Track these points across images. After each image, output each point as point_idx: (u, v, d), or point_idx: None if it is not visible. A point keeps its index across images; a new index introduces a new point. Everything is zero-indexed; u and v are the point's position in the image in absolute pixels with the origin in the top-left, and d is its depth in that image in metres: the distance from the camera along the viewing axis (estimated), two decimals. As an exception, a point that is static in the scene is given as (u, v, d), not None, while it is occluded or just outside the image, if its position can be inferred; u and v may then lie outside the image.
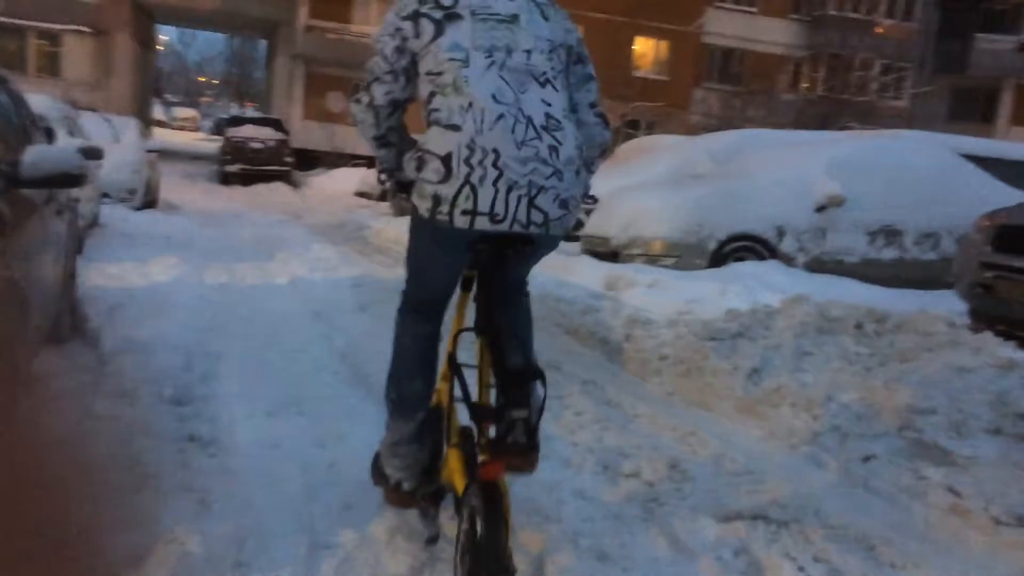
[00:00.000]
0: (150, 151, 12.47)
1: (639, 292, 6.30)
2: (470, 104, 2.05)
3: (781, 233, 7.78)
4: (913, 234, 7.98)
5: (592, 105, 2.37)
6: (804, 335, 4.59)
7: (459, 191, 2.04)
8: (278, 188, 19.48)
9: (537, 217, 2.08)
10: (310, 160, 22.97)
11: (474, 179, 2.03)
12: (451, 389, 2.46)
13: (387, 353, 2.62)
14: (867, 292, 6.62)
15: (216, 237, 9.73)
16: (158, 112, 42.89)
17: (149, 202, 12.05)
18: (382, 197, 17.92)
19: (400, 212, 14.64)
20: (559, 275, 7.02)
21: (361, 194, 19.85)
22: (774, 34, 28.16)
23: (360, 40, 24.44)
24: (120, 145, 10.82)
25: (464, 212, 2.05)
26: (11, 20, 21.57)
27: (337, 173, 21.82)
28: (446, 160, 2.05)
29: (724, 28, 27.75)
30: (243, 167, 20.03)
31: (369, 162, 21.94)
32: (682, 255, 7.66)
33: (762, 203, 7.83)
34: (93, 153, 7.10)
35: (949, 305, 5.36)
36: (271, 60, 28.39)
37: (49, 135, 5.65)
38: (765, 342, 4.58)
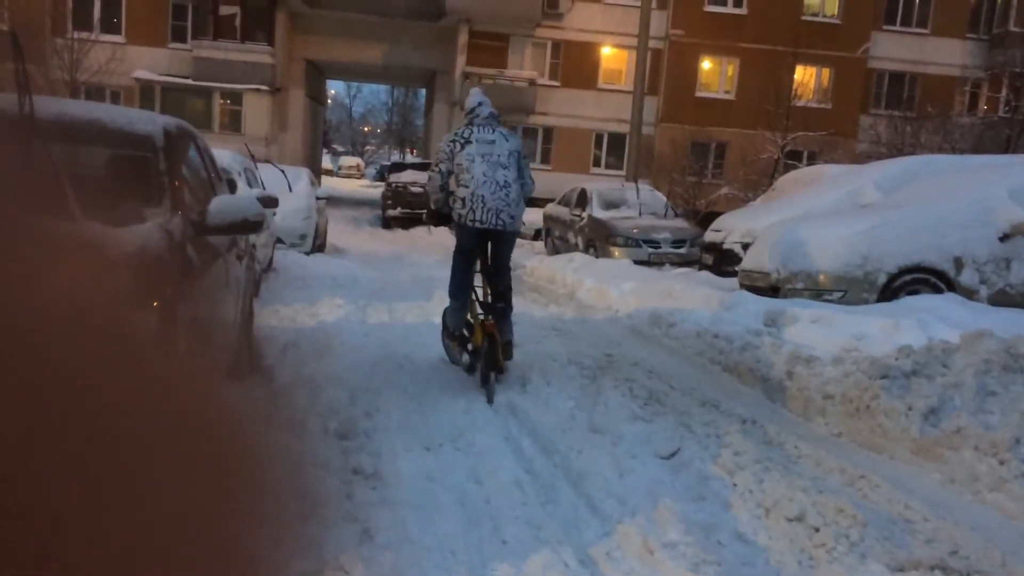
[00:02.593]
0: (319, 199, 13.19)
1: (802, 328, 6.04)
2: (472, 177, 4.92)
3: (960, 265, 7.26)
4: (1115, 262, 7.23)
5: (528, 176, 5.17)
6: (988, 373, 4.24)
7: (469, 211, 4.92)
8: (437, 231, 20.09)
9: (499, 223, 4.92)
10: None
11: (475, 207, 4.90)
12: (474, 301, 5.24)
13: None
14: (1061, 327, 6.03)
15: (378, 279, 10.14)
16: (326, 161, 45.53)
17: (318, 247, 12.73)
18: (535, 237, 18.15)
19: (554, 251, 14.77)
20: (716, 311, 6.86)
21: (516, 234, 20.21)
22: (948, 55, 26.55)
23: (514, 85, 25.07)
24: (293, 194, 11.51)
25: (471, 220, 4.92)
26: (201, 83, 23.68)
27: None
28: (464, 200, 4.95)
29: (892, 52, 26.45)
30: (404, 211, 20.86)
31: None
32: (849, 289, 7.29)
33: (937, 233, 7.34)
34: (270, 202, 7.63)
35: None
36: (430, 108, 29.60)
37: (231, 186, 6.14)
38: (943, 380, 4.27)
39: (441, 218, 5.25)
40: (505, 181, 4.91)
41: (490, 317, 5.01)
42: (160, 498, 0.38)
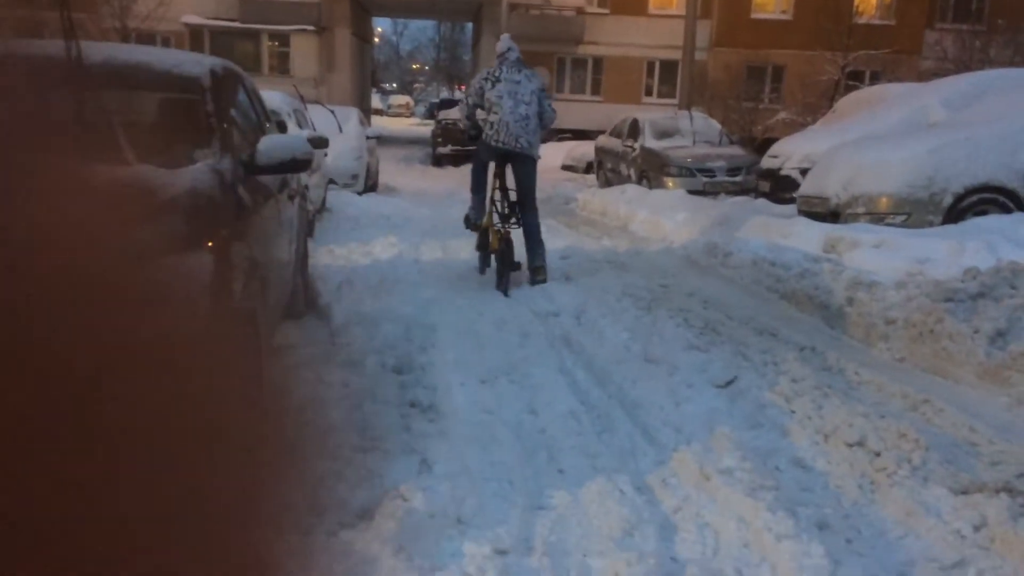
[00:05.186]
0: (369, 138, 13.16)
1: (863, 253, 5.88)
2: (501, 108, 5.93)
3: (1030, 183, 6.95)
4: None
5: (549, 106, 6.15)
6: (1060, 294, 4.09)
7: (496, 133, 5.95)
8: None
9: (519, 145, 5.95)
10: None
11: (500, 131, 5.94)
12: (491, 212, 6.26)
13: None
14: None
15: (430, 216, 10.16)
16: (375, 101, 45.38)
17: (370, 186, 12.74)
18: (587, 169, 17.93)
19: (606, 183, 14.61)
20: (773, 238, 6.72)
21: (567, 167, 19.96)
22: (1019, -39, 25.09)
23: (561, 14, 24.52)
24: (343, 135, 11.51)
25: (496, 141, 5.96)
26: (249, 25, 23.68)
27: (543, 148, 22.06)
28: (492, 124, 5.98)
29: (959, -39, 25.11)
30: (454, 148, 20.69)
31: (574, 135, 22.02)
32: (912, 212, 7.05)
33: (1007, 151, 7.03)
34: (320, 143, 7.64)
35: None
36: (477, 42, 29.19)
37: (281, 128, 6.15)
38: (1012, 302, 4.13)
39: (471, 139, 6.32)
40: (526, 114, 5.98)
41: (505, 226, 6.10)
42: (225, 435, 0.39)
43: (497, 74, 6.05)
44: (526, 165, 6.09)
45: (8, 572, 0.27)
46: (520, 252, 6.10)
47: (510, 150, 5.97)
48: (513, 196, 6.18)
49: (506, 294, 5.74)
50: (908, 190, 7.08)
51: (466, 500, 2.58)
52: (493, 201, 6.24)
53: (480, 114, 6.14)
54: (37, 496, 0.28)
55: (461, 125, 6.71)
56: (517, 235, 6.15)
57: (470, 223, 6.39)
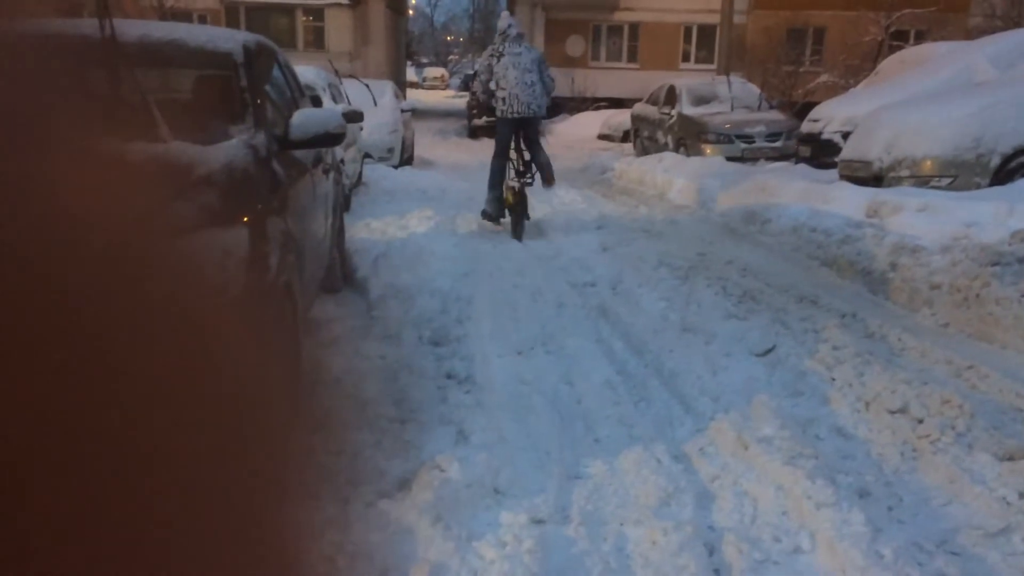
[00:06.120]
0: (405, 111, 13.12)
1: (906, 217, 5.75)
2: (508, 81, 6.70)
3: (1083, 142, 6.72)
4: None
5: (548, 76, 6.89)
6: (1113, 255, 3.97)
7: (508, 106, 6.73)
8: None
9: (530, 111, 6.77)
10: (552, 107, 23.13)
11: (512, 102, 6.71)
12: (507, 171, 6.98)
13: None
14: None
15: (466, 189, 10.10)
16: (410, 74, 45.22)
17: (406, 160, 12.72)
18: (624, 138, 17.75)
19: (643, 152, 14.44)
20: (814, 204, 6.60)
21: (604, 137, 19.77)
22: (1073, -89, 24.06)
23: (597, -20, 24.14)
24: (378, 108, 11.48)
25: (509, 112, 6.75)
26: (283, 1, 23.71)
27: (579, 118, 21.79)
28: (504, 99, 6.74)
29: (1008, -87, 24.17)
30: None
31: (610, 103, 21.77)
32: (959, 174, 6.86)
33: (1059, 109, 6.79)
34: (354, 116, 7.63)
35: None
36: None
37: (316, 102, 6.16)
38: (1062, 265, 4.01)
39: (487, 110, 7.14)
40: (531, 81, 6.74)
41: (519, 182, 6.85)
42: (263, 407, 0.39)
43: (501, 50, 6.76)
44: (535, 125, 7.03)
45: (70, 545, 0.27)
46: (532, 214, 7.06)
47: (523, 116, 6.75)
48: (527, 156, 6.95)
49: (520, 239, 6.61)
50: (954, 151, 6.89)
51: (502, 470, 2.59)
52: (510, 160, 7.00)
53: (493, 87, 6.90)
54: (83, 467, 0.29)
55: (480, 99, 7.29)
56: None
57: (487, 215, 7.01)
